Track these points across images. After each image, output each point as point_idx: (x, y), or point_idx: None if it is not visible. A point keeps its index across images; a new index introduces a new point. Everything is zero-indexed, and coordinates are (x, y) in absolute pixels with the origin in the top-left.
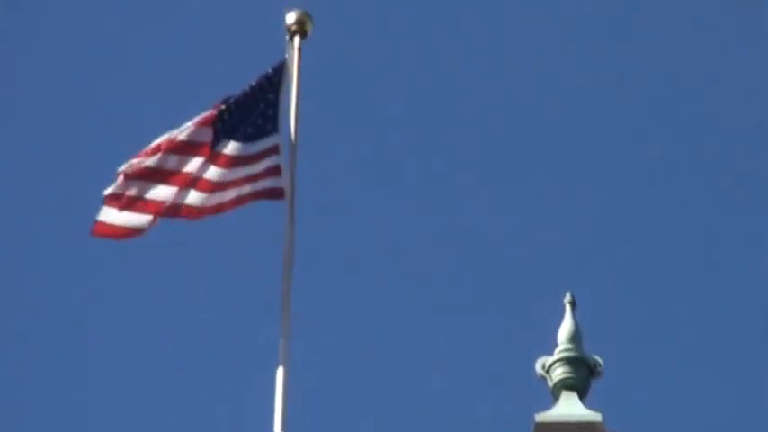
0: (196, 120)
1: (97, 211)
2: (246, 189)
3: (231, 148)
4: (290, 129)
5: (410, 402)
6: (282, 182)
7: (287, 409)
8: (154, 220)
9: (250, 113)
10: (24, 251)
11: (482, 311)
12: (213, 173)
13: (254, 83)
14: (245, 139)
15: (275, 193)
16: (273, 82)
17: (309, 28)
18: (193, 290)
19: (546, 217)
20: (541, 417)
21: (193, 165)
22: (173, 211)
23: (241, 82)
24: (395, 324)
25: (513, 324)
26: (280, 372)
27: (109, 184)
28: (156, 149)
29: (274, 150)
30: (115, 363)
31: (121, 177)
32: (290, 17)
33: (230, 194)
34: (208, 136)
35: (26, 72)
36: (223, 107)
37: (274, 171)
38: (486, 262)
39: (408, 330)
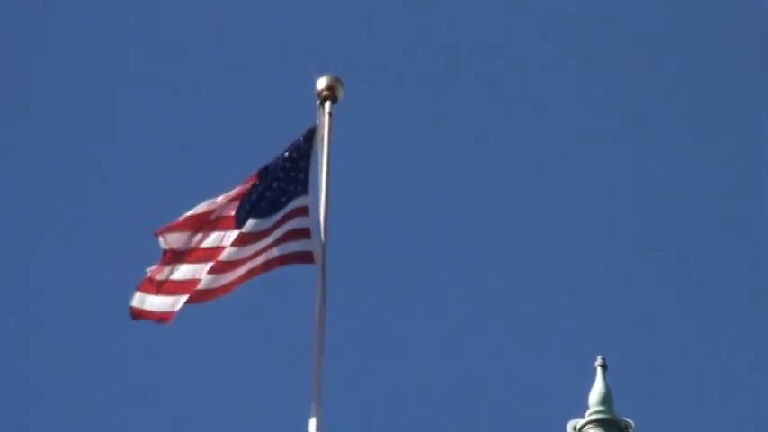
0: (228, 195)
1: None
2: (274, 252)
3: (258, 224)
4: (320, 193)
5: None
6: (312, 246)
7: None
8: (187, 301)
9: (279, 182)
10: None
11: (513, 374)
12: (240, 251)
13: (285, 153)
14: (273, 209)
15: (304, 258)
16: (304, 149)
17: (340, 93)
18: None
19: (578, 279)
20: None
21: (220, 241)
22: (204, 294)
23: (273, 146)
24: (426, 390)
25: (544, 386)
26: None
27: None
28: (188, 225)
29: (304, 212)
30: None
31: (155, 267)
32: (321, 83)
33: (259, 260)
34: (234, 210)
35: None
36: (255, 182)
37: (303, 233)
38: (518, 324)
39: (442, 398)
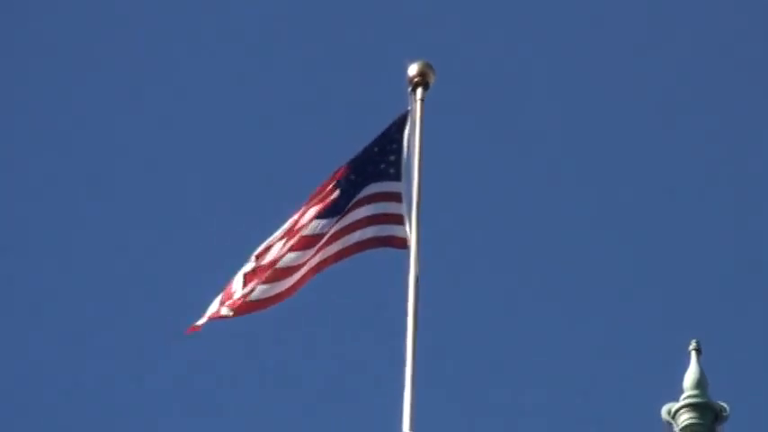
0: (311, 202)
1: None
2: (369, 232)
3: (357, 195)
4: (412, 179)
5: None
6: (405, 232)
7: None
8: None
9: (374, 156)
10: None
11: (608, 359)
12: (335, 226)
13: (377, 135)
14: (366, 180)
15: (398, 243)
16: (396, 135)
17: (431, 79)
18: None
19: (672, 262)
20: None
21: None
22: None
23: (365, 133)
24: (519, 376)
25: (639, 371)
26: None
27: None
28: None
29: (398, 198)
30: None
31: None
32: (412, 69)
33: (353, 238)
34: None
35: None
36: (346, 174)
37: (398, 219)
38: (614, 309)
39: (534, 384)
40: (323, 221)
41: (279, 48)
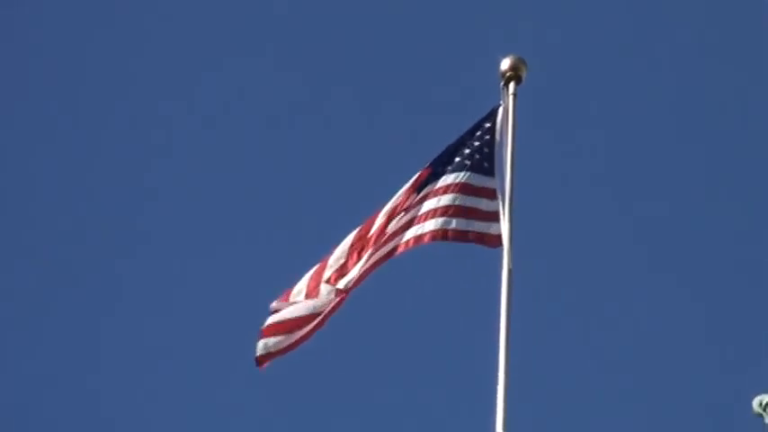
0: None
1: None
2: (463, 224)
3: (444, 179)
4: (505, 173)
5: None
6: (499, 229)
7: None
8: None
9: (467, 148)
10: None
11: (700, 351)
12: (426, 204)
13: (468, 128)
14: (459, 168)
15: (492, 241)
16: (488, 125)
17: (524, 73)
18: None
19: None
20: None
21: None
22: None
23: (456, 127)
24: (616, 371)
25: (730, 362)
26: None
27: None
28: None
29: (492, 194)
30: None
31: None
32: (505, 63)
33: (451, 224)
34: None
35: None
36: (434, 169)
37: (493, 216)
38: (709, 304)
39: (628, 383)
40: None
41: (375, 41)
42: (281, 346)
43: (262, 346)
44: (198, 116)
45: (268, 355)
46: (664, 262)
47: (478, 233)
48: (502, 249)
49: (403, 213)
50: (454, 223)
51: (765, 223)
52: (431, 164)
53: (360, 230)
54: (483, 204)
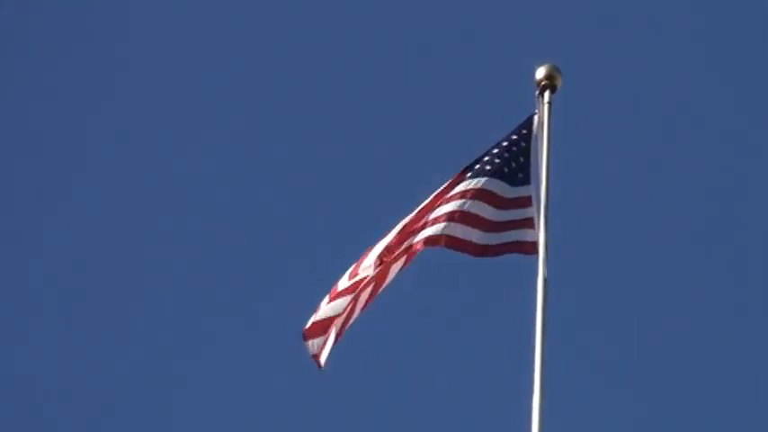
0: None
1: None
2: (501, 237)
3: (500, 188)
4: (540, 184)
5: None
6: (535, 236)
7: None
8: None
9: (501, 158)
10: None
11: (742, 364)
12: (467, 205)
13: (503, 136)
14: (497, 176)
15: (527, 248)
16: (524, 132)
17: (559, 82)
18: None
19: None
20: None
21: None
22: (469, 247)
23: (491, 135)
24: (643, 378)
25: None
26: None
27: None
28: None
29: (528, 202)
30: None
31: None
32: (540, 72)
33: (486, 238)
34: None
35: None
36: (477, 163)
37: (527, 223)
38: (736, 296)
39: (662, 389)
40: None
41: (408, 47)
42: (330, 339)
43: (311, 346)
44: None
45: (320, 352)
46: (703, 270)
47: (516, 242)
48: (537, 257)
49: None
50: (491, 238)
51: None
52: (463, 170)
53: (391, 237)
54: (520, 214)
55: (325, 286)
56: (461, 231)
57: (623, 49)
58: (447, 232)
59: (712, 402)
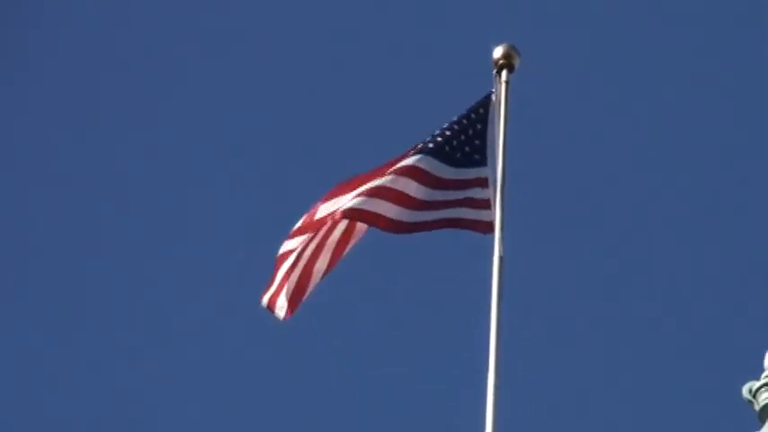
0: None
1: None
2: (454, 213)
3: (438, 168)
4: (496, 163)
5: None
6: (491, 216)
7: None
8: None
9: (457, 140)
10: None
11: (691, 340)
12: (420, 191)
13: (459, 115)
14: (451, 163)
15: (483, 227)
16: (481, 112)
17: (516, 62)
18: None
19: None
20: None
21: (399, 183)
22: (380, 221)
23: (448, 115)
24: (600, 360)
25: (720, 351)
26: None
27: None
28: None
29: (484, 183)
30: None
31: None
32: (497, 51)
33: (438, 215)
34: (409, 161)
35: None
36: (427, 142)
37: (484, 204)
38: (699, 298)
39: (613, 365)
40: (437, 163)
41: (363, 27)
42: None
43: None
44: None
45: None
46: (657, 251)
47: (472, 220)
48: (493, 237)
49: (389, 192)
50: (454, 213)
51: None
52: (420, 149)
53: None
54: (476, 193)
55: None
56: (379, 207)
57: (581, 28)
58: (365, 207)
59: (667, 376)
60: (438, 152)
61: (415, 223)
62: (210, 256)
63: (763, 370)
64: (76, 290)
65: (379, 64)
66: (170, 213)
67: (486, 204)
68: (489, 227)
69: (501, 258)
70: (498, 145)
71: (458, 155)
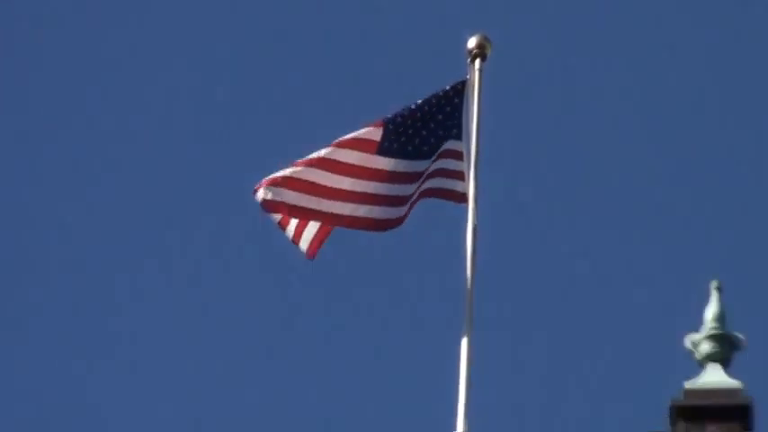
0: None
1: None
2: (428, 185)
3: (408, 165)
4: (470, 149)
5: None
6: (464, 187)
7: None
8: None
9: (430, 122)
10: None
11: (642, 301)
12: (389, 188)
13: (432, 99)
14: (422, 153)
15: (457, 197)
16: (458, 88)
17: (489, 51)
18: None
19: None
20: (690, 384)
21: (361, 161)
22: (352, 222)
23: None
24: (565, 321)
25: (665, 306)
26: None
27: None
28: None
29: (458, 155)
30: None
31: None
32: (472, 41)
33: (419, 187)
34: (377, 136)
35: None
36: (396, 116)
37: (458, 175)
38: (649, 256)
39: (572, 324)
40: (404, 162)
41: (338, 18)
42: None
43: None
44: None
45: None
46: (618, 224)
47: (447, 190)
48: (467, 206)
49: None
50: (432, 183)
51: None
52: (392, 124)
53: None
54: (451, 164)
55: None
56: (372, 212)
57: (553, 18)
58: (358, 214)
59: (620, 339)
60: (408, 144)
61: (409, 204)
62: None
63: (703, 324)
64: None
65: (356, 54)
66: (170, 214)
67: (461, 176)
68: (463, 197)
69: (475, 227)
70: (472, 130)
71: (432, 140)
